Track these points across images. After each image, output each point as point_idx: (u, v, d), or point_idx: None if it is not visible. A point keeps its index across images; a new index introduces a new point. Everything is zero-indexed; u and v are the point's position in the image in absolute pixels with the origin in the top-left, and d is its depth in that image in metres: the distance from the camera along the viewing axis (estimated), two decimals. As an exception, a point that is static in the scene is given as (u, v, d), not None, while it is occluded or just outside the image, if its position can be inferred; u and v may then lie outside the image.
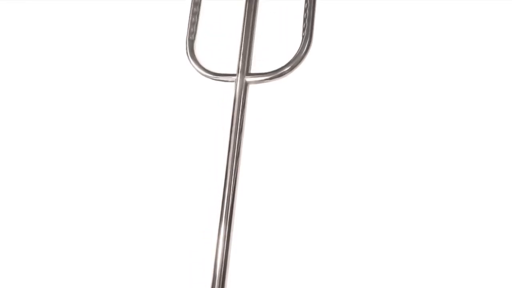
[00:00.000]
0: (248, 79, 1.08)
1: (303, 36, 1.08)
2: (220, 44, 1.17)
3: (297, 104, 1.10)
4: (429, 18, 1.07)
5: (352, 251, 1.00)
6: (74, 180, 1.20)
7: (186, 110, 1.17)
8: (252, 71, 1.10)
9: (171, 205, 1.12)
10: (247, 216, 1.05)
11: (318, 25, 1.09)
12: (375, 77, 1.07)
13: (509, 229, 0.94)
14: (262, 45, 1.13)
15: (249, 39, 1.11)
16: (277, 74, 1.07)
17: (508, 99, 1.00)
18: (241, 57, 1.10)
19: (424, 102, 1.03)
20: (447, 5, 1.06)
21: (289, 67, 1.07)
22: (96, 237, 1.15)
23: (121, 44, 1.26)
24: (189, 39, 1.16)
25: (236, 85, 1.08)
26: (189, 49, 1.15)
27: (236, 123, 1.05)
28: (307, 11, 1.09)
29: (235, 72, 1.10)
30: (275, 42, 1.13)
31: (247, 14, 1.13)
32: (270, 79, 1.07)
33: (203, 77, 1.13)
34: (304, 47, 1.07)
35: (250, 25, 1.12)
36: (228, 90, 1.11)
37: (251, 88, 1.10)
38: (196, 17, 1.17)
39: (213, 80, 1.12)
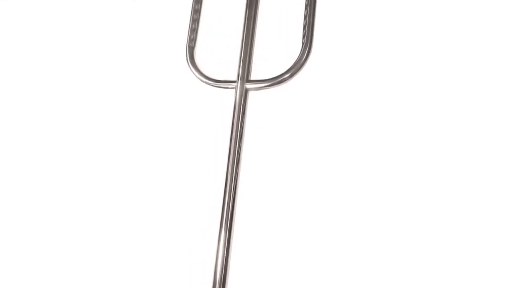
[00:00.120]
0: (248, 85, 1.08)
1: (303, 43, 1.08)
2: (220, 51, 1.18)
3: (297, 110, 1.10)
4: (428, 27, 1.07)
5: (351, 258, 1.00)
6: (76, 192, 1.20)
7: (186, 117, 1.17)
8: (252, 77, 1.10)
9: (171, 211, 1.12)
10: (247, 223, 1.05)
11: (318, 32, 1.09)
12: (375, 83, 1.07)
13: (509, 229, 0.94)
14: (262, 52, 1.13)
15: (249, 45, 1.11)
16: (277, 80, 1.07)
17: (509, 99, 1.00)
18: (241, 64, 1.10)
19: (424, 109, 1.03)
20: (449, 11, 1.07)
21: (289, 73, 1.07)
22: (99, 243, 1.15)
23: (122, 50, 1.26)
24: (189, 46, 1.16)
25: (236, 91, 1.08)
26: (189, 56, 1.16)
27: (236, 130, 1.05)
28: (307, 18, 1.09)
29: (235, 78, 1.10)
30: (275, 49, 1.13)
31: (247, 21, 1.13)
32: (270, 85, 1.08)
33: (203, 83, 1.13)
34: (304, 54, 1.07)
35: (250, 31, 1.12)
36: (228, 97, 1.11)
37: (251, 95, 1.10)
38: (196, 24, 1.18)
39: (213, 87, 1.12)
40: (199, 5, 1.19)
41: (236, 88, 1.09)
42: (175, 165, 1.14)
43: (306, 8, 1.10)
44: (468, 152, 0.99)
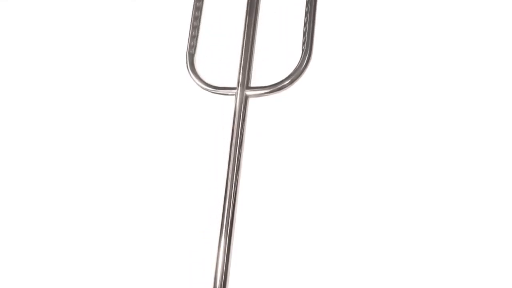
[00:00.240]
0: (248, 92, 1.08)
1: (303, 50, 1.08)
2: (220, 58, 1.18)
3: (297, 117, 1.10)
4: (427, 35, 1.08)
5: (350, 265, 1.00)
6: (76, 199, 1.20)
7: (186, 124, 1.17)
8: (252, 84, 1.10)
9: (171, 217, 1.12)
10: (248, 229, 1.05)
11: (318, 39, 1.10)
12: (375, 90, 1.07)
13: (509, 229, 0.95)
14: (262, 59, 1.13)
15: (249, 52, 1.12)
16: (277, 87, 1.07)
17: (509, 99, 1.00)
18: (241, 71, 1.10)
19: (424, 116, 1.03)
20: (449, 19, 1.07)
21: (289, 80, 1.07)
22: (102, 249, 1.15)
23: (123, 57, 1.26)
24: (189, 53, 1.17)
25: (236, 98, 1.08)
26: (189, 63, 1.16)
27: (236, 136, 1.06)
28: (307, 24, 1.09)
29: (235, 85, 1.10)
30: (275, 56, 1.13)
31: (247, 28, 1.14)
32: (270, 92, 1.08)
33: (203, 90, 1.13)
34: (304, 61, 1.08)
35: (250, 38, 1.13)
36: (228, 104, 1.12)
37: (251, 102, 1.10)
38: (196, 31, 1.18)
39: (213, 94, 1.12)
40: (199, 12, 1.19)
41: (236, 94, 1.09)
42: (175, 171, 1.14)
43: (306, 15, 1.10)
44: (470, 155, 0.99)
